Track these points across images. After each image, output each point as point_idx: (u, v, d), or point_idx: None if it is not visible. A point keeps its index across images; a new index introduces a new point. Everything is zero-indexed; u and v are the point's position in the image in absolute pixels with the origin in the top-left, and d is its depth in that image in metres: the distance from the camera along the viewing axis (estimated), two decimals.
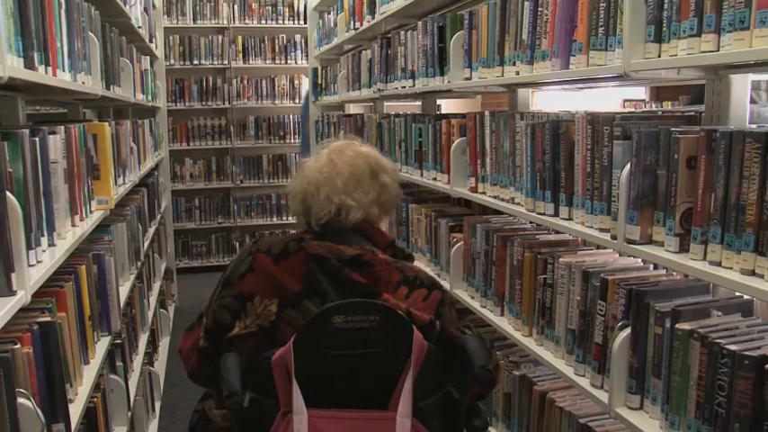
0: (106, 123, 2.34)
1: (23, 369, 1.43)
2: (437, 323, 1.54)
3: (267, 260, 1.59)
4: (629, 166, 1.58)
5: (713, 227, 1.39)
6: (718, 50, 1.35)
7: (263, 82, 6.90)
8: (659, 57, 1.52)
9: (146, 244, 3.77)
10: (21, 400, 1.37)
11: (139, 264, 3.29)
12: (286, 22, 6.84)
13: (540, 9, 2.03)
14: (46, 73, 1.80)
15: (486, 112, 2.46)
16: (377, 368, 1.47)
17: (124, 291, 2.85)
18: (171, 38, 6.58)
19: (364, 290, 1.54)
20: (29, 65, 1.61)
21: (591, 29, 1.76)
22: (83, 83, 2.19)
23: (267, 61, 6.86)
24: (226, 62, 6.76)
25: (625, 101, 5.91)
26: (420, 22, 3.05)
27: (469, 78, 2.57)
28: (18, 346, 1.40)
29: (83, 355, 2.01)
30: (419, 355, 1.43)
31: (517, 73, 2.19)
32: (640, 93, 6.08)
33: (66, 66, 2.04)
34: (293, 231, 1.76)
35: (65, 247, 1.82)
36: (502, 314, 2.37)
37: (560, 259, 1.97)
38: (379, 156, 1.77)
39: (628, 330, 1.64)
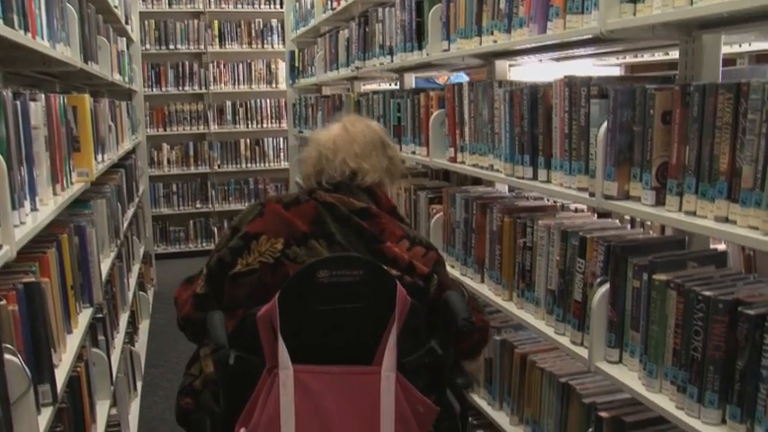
0: (86, 95, 2.33)
1: (9, 326, 1.43)
2: (434, 276, 1.59)
3: (278, 207, 1.63)
4: (606, 123, 1.62)
5: (688, 178, 1.43)
6: (691, 5, 1.38)
7: (240, 66, 6.87)
8: (635, 15, 1.56)
9: (125, 225, 3.76)
10: (7, 355, 1.37)
11: (119, 242, 3.28)
12: (262, 6, 6.81)
13: None
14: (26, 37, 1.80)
15: (465, 83, 2.48)
16: (361, 323, 1.48)
17: (105, 267, 2.84)
18: (146, 22, 6.53)
19: (370, 235, 1.60)
20: (8, 25, 1.61)
21: None
22: (62, 53, 2.17)
23: (243, 46, 6.83)
24: (202, 47, 6.72)
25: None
26: None
27: (447, 50, 2.59)
28: (4, 302, 1.40)
29: (66, 324, 2.01)
30: (402, 309, 1.45)
31: (495, 42, 2.22)
32: (615, 72, 6.16)
33: (46, 34, 2.03)
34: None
35: (47, 212, 1.82)
36: (482, 281, 2.40)
37: (540, 222, 2.01)
38: (385, 132, 1.89)
39: (606, 286, 1.68)
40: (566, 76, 1.84)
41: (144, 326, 4.59)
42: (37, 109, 1.86)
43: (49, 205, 1.89)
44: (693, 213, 1.42)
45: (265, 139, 7.00)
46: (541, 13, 1.93)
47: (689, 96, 1.43)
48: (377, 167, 1.76)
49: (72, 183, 2.27)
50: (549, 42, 1.94)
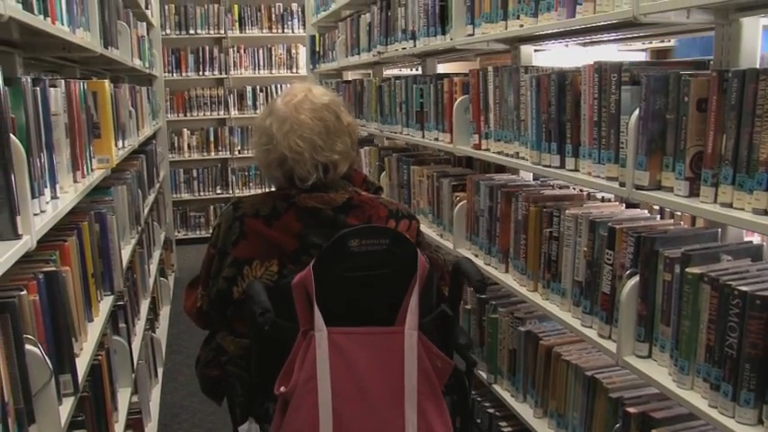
0: (106, 81, 2.31)
1: (30, 316, 1.42)
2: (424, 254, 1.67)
3: (258, 224, 1.67)
4: (637, 111, 1.57)
5: (724, 168, 1.37)
6: None
7: (260, 51, 6.84)
8: None
9: (145, 211, 3.75)
10: (28, 346, 1.36)
11: (140, 229, 3.27)
12: None
13: None
14: (46, 22, 1.77)
15: (490, 68, 2.43)
16: (386, 287, 1.59)
17: (126, 254, 2.84)
18: (167, 7, 6.50)
19: None
20: (28, 11, 1.58)
21: None
22: (82, 38, 2.15)
23: (264, 30, 6.79)
24: (222, 32, 6.69)
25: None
26: None
27: (472, 35, 2.54)
28: (24, 292, 1.39)
29: (87, 312, 2.00)
30: (422, 274, 1.56)
31: (521, 26, 2.16)
32: (641, 57, 6.05)
33: (65, 19, 2.00)
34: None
35: (67, 200, 1.80)
36: (506, 270, 2.36)
37: (567, 211, 1.96)
38: (330, 95, 1.79)
39: (636, 278, 1.64)
40: (595, 62, 1.78)
41: (165, 312, 4.60)
42: (57, 95, 1.84)
43: (69, 193, 1.87)
44: (730, 205, 1.37)
45: None
46: None
47: (726, 83, 1.37)
48: (344, 151, 1.73)
49: (92, 170, 2.25)
50: (577, 27, 1.88)
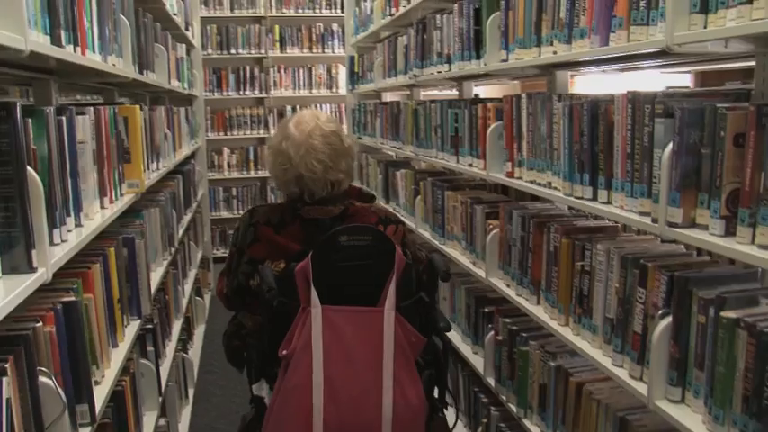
0: (137, 106, 2.32)
1: (45, 348, 1.41)
2: (407, 252, 2.01)
3: (269, 231, 2.04)
4: (671, 145, 1.50)
5: (763, 208, 1.30)
6: None
7: (301, 71, 6.89)
8: (705, 28, 1.43)
9: (180, 231, 3.78)
10: (42, 378, 1.35)
11: (173, 250, 3.29)
12: (323, 10, 6.81)
13: None
14: (74, 52, 1.79)
15: (523, 95, 2.38)
16: (369, 276, 1.89)
17: (156, 276, 2.85)
18: (208, 27, 6.60)
19: None
20: (55, 42, 1.60)
21: (631, 2, 1.67)
22: (113, 65, 2.17)
23: (304, 50, 6.84)
24: (263, 51, 6.75)
25: (668, 88, 5.71)
26: (456, 5, 2.98)
27: (506, 60, 2.49)
28: (40, 324, 1.38)
29: (111, 338, 2.00)
30: (399, 266, 1.87)
31: (555, 53, 2.11)
32: (685, 80, 5.90)
33: (97, 47, 2.02)
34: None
35: (92, 227, 1.81)
36: (538, 302, 2.30)
37: (598, 245, 1.89)
38: (334, 123, 2.14)
39: (669, 319, 1.56)
40: (629, 92, 1.72)
41: (199, 331, 4.62)
42: (84, 123, 1.85)
43: (94, 219, 1.88)
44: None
45: None
46: (604, 24, 1.81)
47: (766, 118, 1.30)
48: (346, 170, 2.09)
49: (122, 194, 2.26)
50: (611, 56, 1.82)
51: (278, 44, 6.80)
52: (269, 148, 2.15)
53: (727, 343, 1.39)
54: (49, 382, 1.37)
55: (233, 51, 6.71)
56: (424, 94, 5.01)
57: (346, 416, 1.82)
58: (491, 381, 2.68)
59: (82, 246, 1.68)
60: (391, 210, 3.86)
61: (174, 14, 3.86)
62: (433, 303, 2.02)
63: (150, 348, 2.58)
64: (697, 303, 1.49)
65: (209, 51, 6.62)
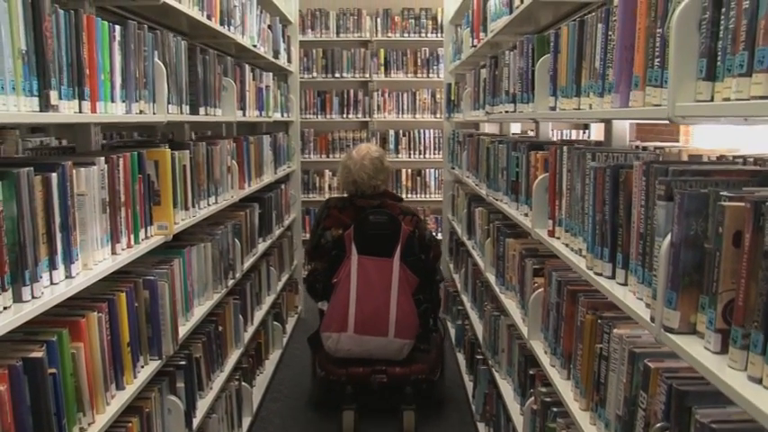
0: (167, 150, 2.34)
1: None
2: (416, 231, 3.60)
3: (336, 211, 3.68)
4: (669, 235, 1.28)
5: (754, 332, 1.07)
6: None
7: (405, 95, 6.84)
8: (712, 100, 1.21)
9: (251, 259, 3.81)
10: None
11: (229, 282, 3.30)
12: (429, 35, 6.73)
13: (609, 33, 1.74)
14: (80, 107, 1.81)
15: (566, 147, 2.17)
16: (386, 239, 3.48)
17: (202, 310, 2.87)
18: (314, 51, 6.71)
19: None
20: (44, 107, 1.61)
21: (647, 59, 1.46)
22: (140, 111, 2.19)
23: (409, 74, 6.79)
24: (367, 75, 6.77)
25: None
26: (518, 42, 2.80)
27: (554, 108, 2.29)
28: None
29: (114, 381, 2.01)
30: (404, 235, 3.48)
31: (590, 106, 1.90)
32: None
33: (118, 96, 2.05)
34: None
35: (90, 275, 1.82)
36: (568, 377, 2.08)
37: (614, 330, 1.67)
38: (379, 151, 3.77)
39: None
40: (644, 162, 1.50)
41: (274, 356, 4.63)
42: (89, 174, 1.87)
43: (93, 269, 1.88)
44: (759, 381, 1.06)
45: (427, 170, 6.90)
46: (625, 81, 1.60)
47: (762, 217, 1.07)
48: (384, 180, 3.71)
49: (148, 236, 2.28)
50: (631, 118, 1.61)
51: (383, 68, 6.80)
52: (340, 165, 3.78)
53: None
54: None
55: (338, 75, 6.77)
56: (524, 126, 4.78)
57: (367, 316, 3.43)
58: None
59: (64, 298, 1.68)
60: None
61: (254, 46, 3.91)
62: (428, 260, 3.68)
63: (180, 385, 2.58)
64: (694, 425, 1.26)
65: (315, 75, 6.72)
